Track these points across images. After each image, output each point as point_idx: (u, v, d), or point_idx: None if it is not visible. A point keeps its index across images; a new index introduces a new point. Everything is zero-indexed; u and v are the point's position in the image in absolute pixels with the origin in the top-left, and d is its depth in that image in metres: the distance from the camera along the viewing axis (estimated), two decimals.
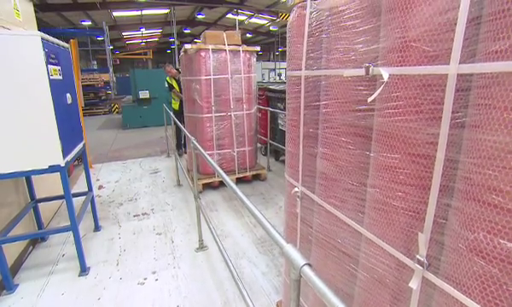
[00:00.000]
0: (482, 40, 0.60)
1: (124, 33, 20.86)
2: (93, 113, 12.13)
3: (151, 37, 23.46)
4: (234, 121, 4.05)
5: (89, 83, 12.11)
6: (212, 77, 3.82)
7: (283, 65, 23.87)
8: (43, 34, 2.00)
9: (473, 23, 0.62)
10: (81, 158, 5.30)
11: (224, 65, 3.85)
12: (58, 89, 2.20)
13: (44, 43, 1.99)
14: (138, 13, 15.82)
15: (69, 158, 2.29)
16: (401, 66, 0.76)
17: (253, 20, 17.86)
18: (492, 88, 0.58)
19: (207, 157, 1.76)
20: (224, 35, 3.83)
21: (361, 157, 0.96)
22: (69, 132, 2.39)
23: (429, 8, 0.69)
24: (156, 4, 13.49)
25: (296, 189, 1.35)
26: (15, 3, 2.89)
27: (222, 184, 4.24)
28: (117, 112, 11.80)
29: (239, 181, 4.30)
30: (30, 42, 1.91)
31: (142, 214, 3.51)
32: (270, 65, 21.49)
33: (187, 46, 3.78)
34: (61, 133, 2.12)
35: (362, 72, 0.88)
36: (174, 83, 5.66)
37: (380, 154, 0.85)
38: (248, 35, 20.91)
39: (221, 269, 2.47)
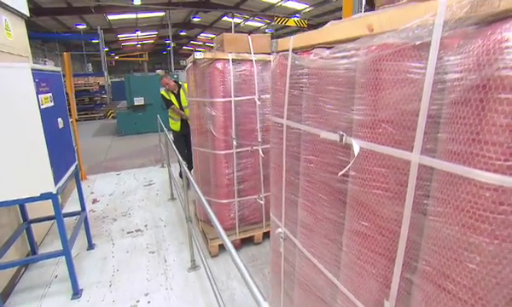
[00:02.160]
0: (441, 137, 0.65)
1: (119, 36, 20.80)
2: (88, 118, 12.08)
3: (147, 39, 23.39)
4: (261, 158, 2.93)
5: (84, 88, 12.05)
6: (232, 99, 2.70)
7: None
8: (32, 65, 2.02)
9: (434, 119, 0.66)
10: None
11: (249, 82, 2.76)
12: (49, 117, 2.22)
13: (34, 73, 2.01)
14: (133, 16, 15.79)
15: (61, 183, 2.31)
16: (371, 142, 0.80)
17: (249, 23, 17.89)
18: (448, 185, 0.62)
19: (206, 206, 1.45)
20: (249, 39, 2.75)
21: (337, 216, 1.00)
22: (61, 157, 2.41)
23: (396, 94, 0.73)
24: (151, 8, 13.47)
25: (279, 230, 1.39)
26: (7, 24, 2.90)
27: (245, 242, 3.13)
28: (112, 117, 11.75)
29: (266, 235, 3.15)
30: (20, 74, 1.93)
31: (136, 230, 3.54)
32: None
33: (197, 54, 2.63)
34: (52, 160, 2.14)
35: (337, 137, 0.92)
36: (173, 98, 4.47)
37: (352, 219, 0.90)
38: None
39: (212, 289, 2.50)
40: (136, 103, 8.60)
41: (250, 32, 20.37)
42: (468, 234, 0.59)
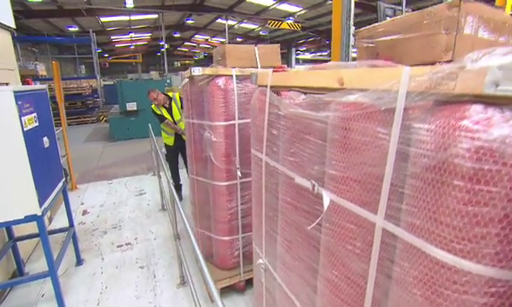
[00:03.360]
0: (404, 207, 0.65)
1: (112, 37, 20.63)
2: (80, 122, 11.96)
3: (140, 40, 23.23)
4: None
5: (75, 91, 11.92)
6: (236, 122, 2.30)
7: None
8: (15, 87, 2.00)
9: (398, 187, 0.67)
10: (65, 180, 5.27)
11: None
12: (34, 137, 2.20)
13: (17, 95, 1.98)
14: (126, 18, 15.68)
15: (47, 204, 2.29)
16: (340, 197, 0.81)
17: (243, 25, 17.86)
18: (410, 255, 0.63)
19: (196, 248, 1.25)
20: (256, 51, 2.42)
21: (312, 260, 1.01)
22: (46, 176, 2.39)
23: (362, 155, 0.74)
24: (144, 11, 13.38)
25: (260, 261, 1.39)
26: None
27: (251, 283, 2.55)
28: (105, 121, 11.65)
29: None
30: (2, 98, 1.90)
31: (126, 244, 3.51)
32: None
33: (195, 70, 2.25)
34: (36, 181, 2.11)
35: (310, 185, 0.93)
36: (165, 113, 4.15)
37: (325, 266, 0.90)
38: (238, 39, 20.87)
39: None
40: (128, 108, 8.54)
41: (245, 34, 20.34)
42: (426, 305, 0.60)
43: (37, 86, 2.47)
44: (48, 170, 2.43)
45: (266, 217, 1.30)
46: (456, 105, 0.54)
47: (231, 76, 2.23)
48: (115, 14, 13.78)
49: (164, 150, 4.40)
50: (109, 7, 12.19)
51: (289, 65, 21.61)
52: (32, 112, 2.20)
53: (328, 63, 1.09)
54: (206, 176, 2.53)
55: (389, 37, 1.09)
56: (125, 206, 4.51)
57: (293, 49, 21.07)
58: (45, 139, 2.44)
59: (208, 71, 2.23)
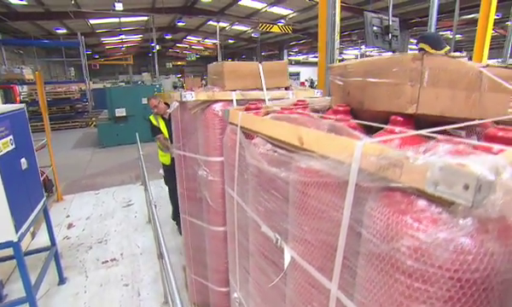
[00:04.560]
0: (356, 283, 0.64)
1: (102, 39, 20.35)
2: (69, 127, 11.76)
3: (132, 42, 22.98)
4: None
5: (64, 96, 11.72)
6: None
7: None
8: None
9: (351, 261, 0.66)
10: (50, 190, 5.18)
11: None
12: (9, 161, 2.14)
13: None
14: (116, 20, 15.47)
15: (24, 228, 2.23)
16: (299, 256, 0.80)
17: (235, 27, 17.81)
18: None
19: None
20: (260, 68, 2.04)
21: None
22: (24, 200, 2.33)
23: (318, 222, 0.73)
24: (134, 14, 13.23)
25: (236, 296, 1.38)
26: None
27: None
28: (94, 126, 11.49)
29: None
30: None
31: (111, 260, 3.46)
32: None
33: (186, 96, 1.86)
34: (12, 207, 2.06)
35: (273, 237, 0.91)
36: (162, 125, 3.71)
37: None
38: (230, 41, 20.82)
39: None
40: (117, 114, 8.44)
41: (236, 36, 20.27)
42: None
43: (14, 106, 2.40)
44: (26, 193, 2.37)
45: (239, 253, 1.28)
46: (403, 195, 0.53)
47: (231, 101, 1.86)
48: (105, 17, 13.59)
49: (161, 171, 3.93)
50: (98, 9, 12.01)
51: None
52: (7, 136, 2.14)
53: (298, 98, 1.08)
54: (200, 219, 2.20)
55: (359, 79, 1.09)
56: (111, 219, 4.44)
57: (286, 51, 21.11)
58: (23, 161, 2.38)
59: (203, 96, 1.87)
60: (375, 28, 4.69)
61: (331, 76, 1.29)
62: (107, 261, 3.44)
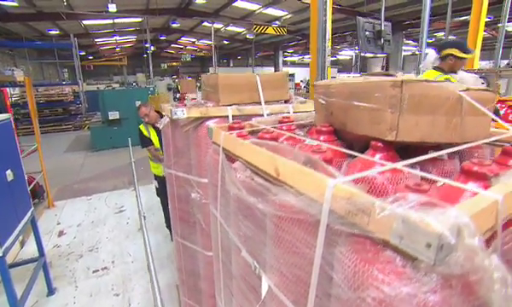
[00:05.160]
0: None
1: (96, 40, 20.18)
2: (62, 130, 11.64)
3: (126, 43, 22.83)
4: None
5: (57, 98, 11.59)
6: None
7: (265, 70, 23.96)
8: None
9: (324, 302, 0.65)
10: (40, 197, 5.12)
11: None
12: None
13: None
14: (110, 21, 15.34)
15: (9, 242, 2.19)
16: (276, 286, 0.79)
17: (230, 28, 17.78)
18: None
19: None
20: (258, 81, 1.89)
21: None
22: (10, 213, 2.29)
23: (292, 257, 0.72)
24: (127, 15, 13.13)
25: None
26: None
27: None
28: (88, 128, 11.39)
29: None
30: None
31: (102, 269, 3.42)
32: (248, 71, 21.33)
33: (177, 113, 1.71)
34: None
35: (252, 264, 0.90)
36: (153, 135, 3.56)
37: None
38: (225, 42, 20.78)
39: None
40: (110, 117, 8.36)
41: (231, 37, 20.23)
42: None
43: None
44: (11, 206, 2.33)
45: (224, 273, 1.27)
46: (371, 243, 0.52)
47: (226, 117, 1.72)
48: (98, 18, 13.48)
49: (155, 183, 3.81)
50: (91, 11, 11.90)
51: (277, 67, 21.63)
52: None
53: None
54: (194, 242, 2.05)
55: (342, 100, 1.08)
56: (103, 226, 4.40)
57: (281, 52, 21.12)
58: (8, 172, 2.34)
59: (195, 112, 1.72)
60: (367, 33, 4.71)
61: (315, 94, 1.28)
62: (98, 270, 3.40)
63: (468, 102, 0.94)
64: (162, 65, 26.20)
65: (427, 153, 1.01)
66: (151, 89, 9.53)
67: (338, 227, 0.58)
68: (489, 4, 6.21)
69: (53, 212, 4.81)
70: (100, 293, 3.03)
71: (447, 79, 2.65)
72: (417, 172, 0.68)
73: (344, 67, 25.78)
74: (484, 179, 0.65)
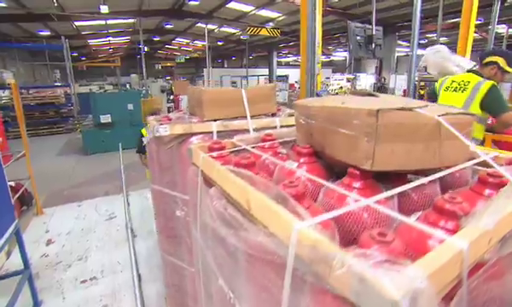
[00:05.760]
0: None
1: (89, 41, 19.98)
2: (54, 133, 11.48)
3: (119, 44, 22.63)
4: None
5: (48, 100, 11.42)
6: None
7: (260, 71, 23.88)
8: None
9: None
10: (29, 204, 5.03)
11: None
12: None
13: None
14: (103, 22, 15.20)
15: None
16: None
17: (224, 29, 17.73)
18: None
19: None
20: (244, 95, 1.86)
21: None
22: None
23: (263, 296, 0.70)
24: (120, 16, 13.01)
25: None
26: None
27: None
28: (80, 131, 11.26)
29: None
30: None
31: (91, 279, 3.37)
32: (242, 72, 21.13)
33: (159, 130, 1.68)
34: None
35: (226, 294, 0.88)
36: None
37: None
38: (219, 43, 20.72)
39: None
40: (102, 121, 8.27)
41: (225, 38, 20.17)
42: None
43: None
44: None
45: (204, 293, 1.25)
46: (333, 296, 0.50)
47: (211, 133, 1.71)
48: (90, 19, 13.33)
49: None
50: (83, 12, 11.76)
51: (271, 68, 21.63)
52: None
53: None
54: (180, 259, 2.01)
55: (321, 124, 1.06)
56: (93, 233, 4.33)
57: (275, 53, 21.12)
58: None
59: (178, 129, 1.68)
60: (358, 38, 4.71)
61: (296, 113, 1.26)
62: (86, 280, 3.35)
63: (446, 127, 0.93)
64: (156, 66, 26.04)
65: (406, 176, 1.01)
66: (143, 91, 9.44)
67: (303, 274, 0.57)
68: (479, 7, 6.29)
69: (41, 220, 4.72)
70: (88, 305, 2.99)
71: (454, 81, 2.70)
72: (389, 212, 0.66)
73: (338, 68, 25.90)
74: (454, 218, 0.64)
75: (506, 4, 6.10)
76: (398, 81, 13.85)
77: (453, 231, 0.63)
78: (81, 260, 3.72)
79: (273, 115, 1.99)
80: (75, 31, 15.95)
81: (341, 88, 18.07)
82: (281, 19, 14.47)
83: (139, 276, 2.62)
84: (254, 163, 1.00)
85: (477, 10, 6.21)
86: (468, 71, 2.73)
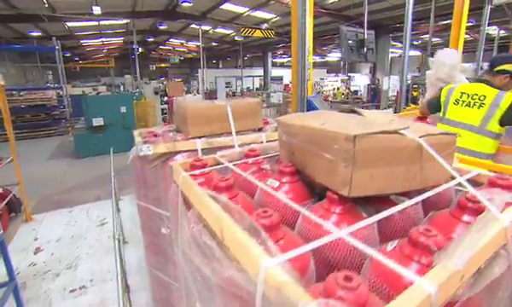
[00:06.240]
0: None
1: (82, 41, 19.76)
2: (45, 135, 11.31)
3: (113, 44, 22.43)
4: None
5: (40, 102, 11.26)
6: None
7: (255, 72, 23.84)
8: None
9: None
10: (17, 210, 4.94)
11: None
12: None
13: None
14: (96, 23, 15.04)
15: None
16: None
17: (218, 30, 17.68)
18: None
19: None
20: (229, 110, 1.85)
21: None
22: None
23: None
24: (113, 17, 12.89)
25: None
26: None
27: None
28: (72, 134, 11.12)
29: None
30: None
31: (80, 288, 3.32)
32: (237, 72, 21.06)
33: (142, 149, 1.68)
34: None
35: None
36: None
37: None
38: (213, 44, 20.65)
39: None
40: (94, 124, 8.17)
41: (220, 39, 20.10)
42: None
43: None
44: None
45: None
46: None
47: (196, 151, 1.69)
48: (82, 20, 13.18)
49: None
50: (75, 13, 11.62)
51: (266, 69, 21.61)
52: None
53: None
54: (167, 274, 1.99)
55: (302, 144, 1.05)
56: (83, 240, 4.27)
57: (270, 54, 21.11)
58: None
59: (162, 148, 1.65)
60: (350, 42, 4.72)
61: (279, 129, 1.25)
62: (76, 289, 3.30)
63: (427, 149, 0.92)
64: (151, 66, 25.86)
65: (388, 196, 0.99)
66: (136, 94, 9.34)
67: None
68: (470, 10, 6.35)
69: (30, 227, 4.64)
70: None
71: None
72: (361, 246, 0.64)
73: (332, 68, 25.98)
74: (428, 253, 0.62)
75: (492, 7, 6.15)
76: (392, 82, 13.93)
77: (426, 266, 0.62)
78: (70, 268, 3.66)
79: (259, 130, 1.97)
80: (67, 32, 15.76)
81: (338, 89, 18.05)
82: (275, 20, 14.46)
83: (127, 287, 2.58)
84: (232, 185, 0.98)
85: (468, 12, 6.28)
86: (478, 80, 2.49)
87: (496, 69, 2.34)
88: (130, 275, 3.50)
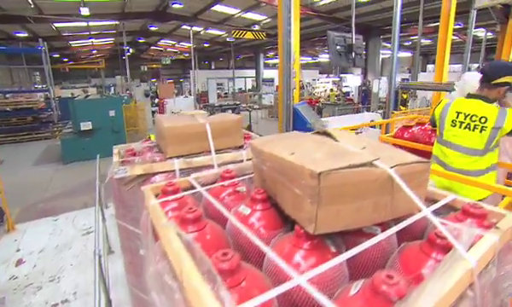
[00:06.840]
0: None
1: (71, 42, 19.42)
2: (32, 139, 11.06)
3: (103, 45, 22.10)
4: None
5: (26, 105, 11.01)
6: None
7: (247, 72, 23.80)
8: None
9: None
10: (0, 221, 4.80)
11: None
12: None
13: None
14: (84, 24, 14.79)
15: None
16: None
17: (210, 31, 17.58)
18: None
19: None
20: (208, 129, 1.79)
21: None
22: None
23: None
24: (102, 18, 12.69)
25: None
26: None
27: None
28: (60, 138, 10.91)
29: None
30: None
31: (62, 302, 3.23)
32: (229, 73, 20.97)
33: (119, 172, 1.64)
34: None
35: None
36: None
37: None
38: (205, 45, 20.54)
39: None
40: (82, 128, 8.02)
41: (211, 40, 19.99)
42: None
43: None
44: None
45: None
46: None
47: (174, 171, 1.64)
48: (70, 21, 12.93)
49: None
50: (62, 14, 11.39)
51: (258, 70, 21.58)
52: None
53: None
54: (147, 293, 1.95)
55: (271, 172, 1.02)
56: (68, 250, 4.17)
57: (261, 55, 21.10)
58: None
59: (138, 170, 1.61)
60: (338, 47, 4.72)
61: (252, 153, 1.22)
62: (58, 303, 3.21)
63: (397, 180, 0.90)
64: (142, 67, 25.57)
65: (361, 229, 0.97)
66: (125, 97, 9.18)
67: None
68: (458, 13, 6.44)
69: (13, 237, 4.51)
70: None
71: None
72: (318, 296, 0.62)
73: (325, 69, 26.11)
74: (389, 303, 0.60)
75: (475, 9, 6.24)
76: (383, 84, 14.05)
77: None
78: (53, 281, 3.56)
79: (240, 148, 1.93)
80: (55, 33, 15.45)
81: (332, 90, 17.96)
82: (266, 21, 14.45)
83: (110, 302, 2.51)
84: (200, 216, 0.94)
85: (456, 15, 6.37)
86: (471, 96, 2.25)
87: (494, 81, 2.12)
88: (114, 287, 3.43)
